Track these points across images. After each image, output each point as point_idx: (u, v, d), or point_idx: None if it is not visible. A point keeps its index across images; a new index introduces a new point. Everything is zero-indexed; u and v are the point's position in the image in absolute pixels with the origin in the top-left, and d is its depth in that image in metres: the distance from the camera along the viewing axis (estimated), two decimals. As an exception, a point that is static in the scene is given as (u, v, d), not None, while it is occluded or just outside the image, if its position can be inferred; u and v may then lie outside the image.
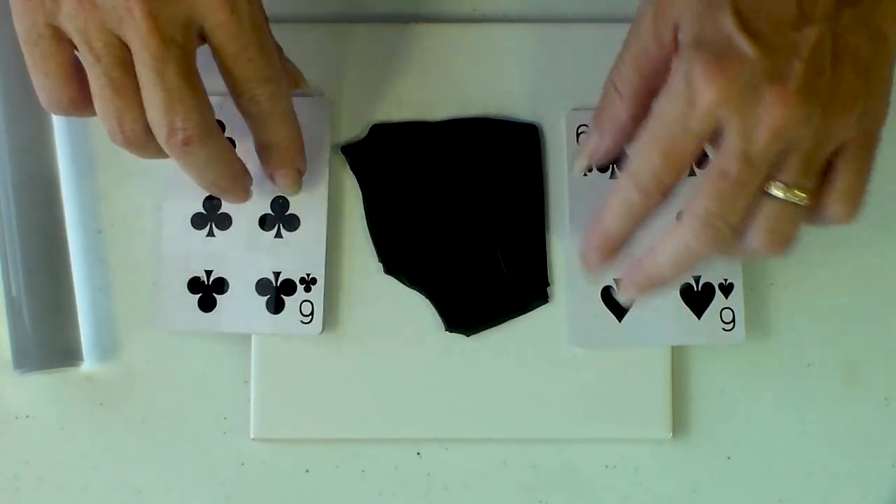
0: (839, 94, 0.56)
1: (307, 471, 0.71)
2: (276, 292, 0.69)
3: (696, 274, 0.70)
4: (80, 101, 0.61)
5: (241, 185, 0.66)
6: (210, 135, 0.61)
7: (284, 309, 0.69)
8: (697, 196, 0.58)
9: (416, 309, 0.70)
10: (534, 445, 0.71)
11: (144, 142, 0.61)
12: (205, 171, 0.63)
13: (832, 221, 0.59)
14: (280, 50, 0.66)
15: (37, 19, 0.59)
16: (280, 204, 0.70)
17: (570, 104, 0.71)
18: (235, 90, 0.62)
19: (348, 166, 0.71)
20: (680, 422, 0.71)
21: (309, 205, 0.70)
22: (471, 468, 0.71)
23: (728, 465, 0.71)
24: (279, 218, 0.70)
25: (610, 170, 0.70)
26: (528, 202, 0.71)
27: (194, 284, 0.70)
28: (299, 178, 0.68)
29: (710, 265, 0.69)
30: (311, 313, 0.69)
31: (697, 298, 0.70)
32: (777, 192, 0.57)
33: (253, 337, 0.70)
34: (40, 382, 0.71)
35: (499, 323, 0.70)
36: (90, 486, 0.70)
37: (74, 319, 0.70)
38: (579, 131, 0.71)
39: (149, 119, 0.60)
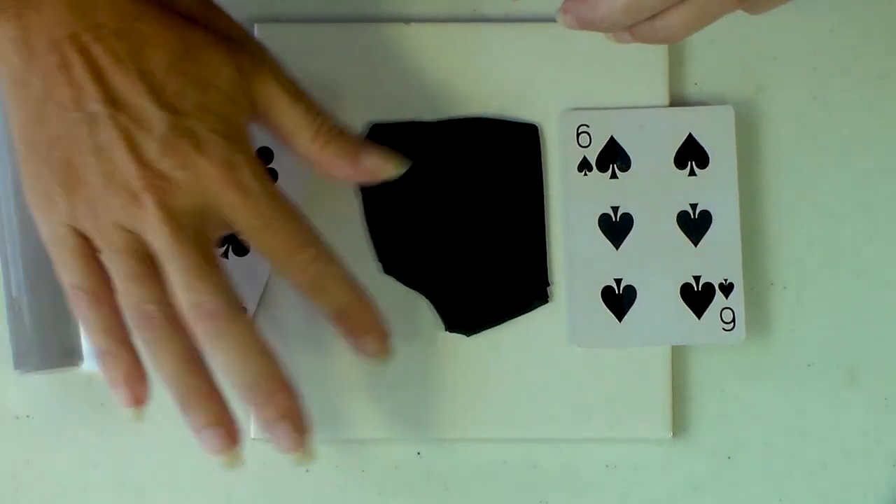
0: None
1: (307, 471, 0.70)
2: None
3: (697, 274, 0.70)
4: (104, 295, 0.62)
5: (282, 386, 0.62)
6: (237, 313, 0.61)
7: None
8: None
9: (416, 309, 0.70)
10: (534, 445, 0.71)
11: (171, 327, 0.61)
12: (239, 358, 0.61)
13: None
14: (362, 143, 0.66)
15: (57, 221, 0.61)
16: None
17: (570, 104, 0.71)
18: (278, 265, 0.63)
19: (347, 166, 0.71)
20: (680, 421, 0.71)
21: None
22: (471, 468, 0.71)
23: (728, 465, 0.71)
24: (231, 238, 0.70)
25: (610, 170, 0.70)
26: (527, 202, 0.71)
27: None
28: (386, 342, 0.66)
29: (711, 265, 0.70)
30: None
31: (697, 298, 0.70)
32: None
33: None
34: (40, 382, 0.70)
35: (499, 323, 0.70)
36: (90, 486, 0.70)
37: (75, 319, 0.70)
38: (579, 131, 0.71)
39: (177, 305, 0.61)
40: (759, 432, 0.71)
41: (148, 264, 0.61)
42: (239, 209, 0.61)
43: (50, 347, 0.69)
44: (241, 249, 0.70)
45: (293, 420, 0.62)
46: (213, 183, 0.61)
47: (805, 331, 0.71)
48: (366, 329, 0.65)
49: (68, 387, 0.71)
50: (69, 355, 0.69)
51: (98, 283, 0.62)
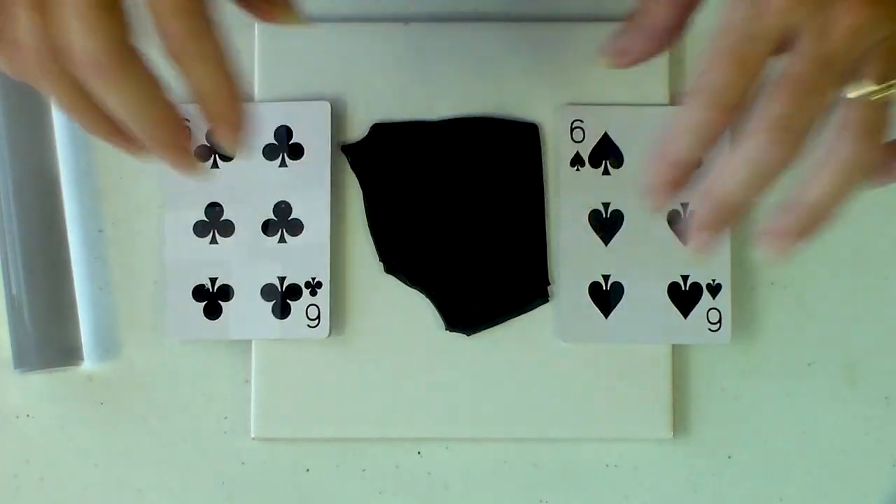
0: None
1: (308, 470, 0.71)
2: (281, 297, 0.69)
3: (685, 273, 0.70)
4: None
5: (174, 128, 0.58)
6: (128, 60, 0.55)
7: (290, 314, 0.69)
8: (768, 103, 0.55)
9: (416, 308, 0.70)
10: (534, 445, 0.71)
11: (49, 64, 0.55)
12: (133, 110, 0.57)
13: None
14: None
15: None
16: (282, 209, 0.70)
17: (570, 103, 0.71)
18: (154, 28, 0.56)
19: (349, 165, 0.71)
20: (680, 421, 0.71)
21: (312, 209, 0.70)
22: (471, 467, 0.71)
23: (729, 465, 0.71)
24: (282, 223, 0.70)
25: (602, 166, 0.70)
26: (528, 201, 0.71)
27: (199, 292, 0.70)
28: (233, 133, 0.59)
29: (699, 265, 0.69)
30: (318, 317, 0.69)
31: (685, 298, 0.69)
32: (863, 90, 0.55)
33: (253, 336, 0.70)
34: (40, 382, 0.71)
35: (499, 322, 0.70)
36: (90, 486, 0.70)
37: (75, 319, 0.70)
38: (573, 126, 0.71)
39: (65, 44, 0.55)
40: (759, 432, 0.71)
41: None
42: None
43: (50, 347, 0.69)
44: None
45: (178, 147, 0.58)
46: None
47: (805, 330, 0.71)
48: (215, 116, 0.59)
49: (68, 387, 0.71)
50: (69, 355, 0.70)
51: None
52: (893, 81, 0.54)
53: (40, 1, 0.56)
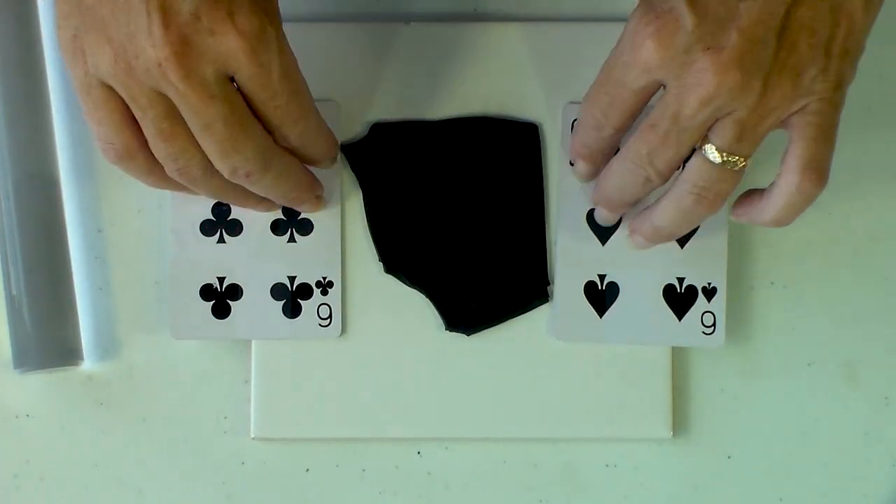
0: (786, 66, 0.57)
1: (307, 470, 0.71)
2: (291, 297, 0.69)
3: (681, 275, 0.70)
4: (134, 148, 0.62)
5: (310, 193, 0.68)
6: (270, 161, 0.63)
7: (301, 313, 0.69)
8: (633, 136, 0.61)
9: (416, 308, 0.70)
10: (534, 445, 0.71)
11: (206, 177, 0.62)
12: (273, 190, 0.65)
13: (795, 191, 0.60)
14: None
15: (86, 71, 0.60)
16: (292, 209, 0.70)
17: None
18: (267, 126, 0.63)
19: (348, 165, 0.71)
20: (680, 421, 0.71)
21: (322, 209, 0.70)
22: (471, 467, 0.71)
23: (728, 465, 0.71)
24: (292, 223, 0.70)
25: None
26: (528, 201, 0.71)
27: (207, 291, 0.70)
28: (331, 164, 0.69)
29: (695, 268, 0.70)
30: (330, 316, 0.69)
31: (679, 300, 0.69)
32: (709, 153, 0.60)
33: (253, 337, 0.70)
34: (40, 382, 0.71)
35: (499, 322, 0.70)
36: (90, 486, 0.70)
37: (75, 319, 0.70)
38: (574, 125, 0.71)
39: (211, 159, 0.62)
40: (759, 432, 0.71)
41: (177, 121, 0.60)
42: (252, 80, 0.60)
43: (50, 347, 0.69)
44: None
45: (314, 202, 0.69)
46: (237, 54, 0.59)
47: (805, 330, 0.71)
48: (322, 155, 0.67)
49: (68, 387, 0.71)
50: (69, 355, 0.69)
51: (127, 136, 0.61)
52: (735, 156, 0.59)
53: (171, 132, 0.61)
